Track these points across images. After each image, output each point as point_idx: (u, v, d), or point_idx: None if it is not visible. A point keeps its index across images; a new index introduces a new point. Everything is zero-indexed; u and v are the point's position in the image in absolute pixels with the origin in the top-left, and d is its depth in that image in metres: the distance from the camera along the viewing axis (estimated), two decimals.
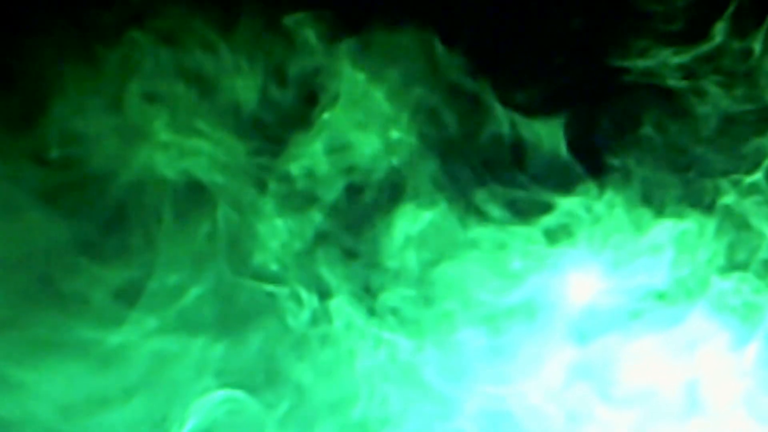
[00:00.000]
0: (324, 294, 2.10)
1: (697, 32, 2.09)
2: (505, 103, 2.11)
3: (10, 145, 2.10)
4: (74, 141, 2.11)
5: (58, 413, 2.03)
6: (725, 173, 2.06)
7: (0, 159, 2.09)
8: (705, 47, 2.07)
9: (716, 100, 2.07)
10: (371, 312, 2.09)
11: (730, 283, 2.01)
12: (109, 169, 2.11)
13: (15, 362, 2.03)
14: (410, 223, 2.11)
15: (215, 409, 2.06)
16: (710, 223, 2.03)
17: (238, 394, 2.06)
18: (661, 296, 2.01)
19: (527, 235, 2.07)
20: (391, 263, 2.10)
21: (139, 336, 2.07)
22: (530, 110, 2.11)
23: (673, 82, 2.09)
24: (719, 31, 2.07)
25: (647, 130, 2.09)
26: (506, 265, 2.07)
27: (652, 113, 2.10)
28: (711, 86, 2.08)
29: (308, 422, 2.07)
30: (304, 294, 2.10)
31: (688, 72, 2.08)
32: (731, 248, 2.02)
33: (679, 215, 2.04)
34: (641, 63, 2.09)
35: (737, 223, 2.03)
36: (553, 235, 2.07)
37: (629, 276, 2.03)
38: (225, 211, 2.11)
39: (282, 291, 2.10)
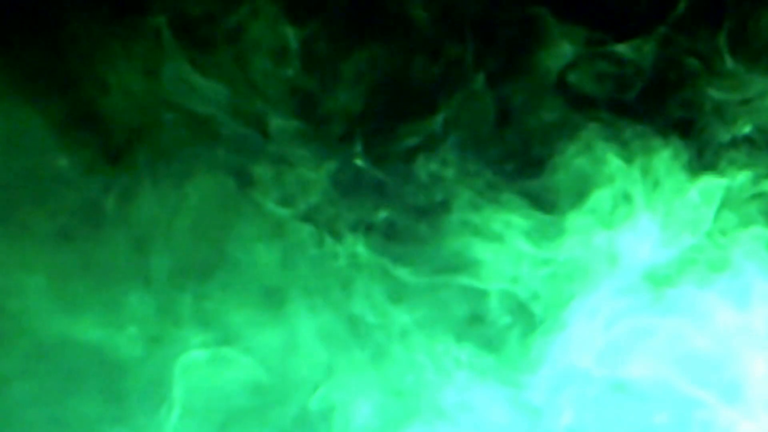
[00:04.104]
0: (344, 236, 1.95)
1: None
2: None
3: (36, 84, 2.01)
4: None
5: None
6: None
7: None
8: None
9: None
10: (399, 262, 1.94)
11: None
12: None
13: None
14: (448, 164, 1.96)
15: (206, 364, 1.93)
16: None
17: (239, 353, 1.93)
18: (710, 241, 1.94)
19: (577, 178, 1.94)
20: (425, 207, 1.95)
21: (141, 284, 1.95)
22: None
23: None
24: None
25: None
26: (558, 215, 1.93)
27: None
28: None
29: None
30: (326, 237, 1.95)
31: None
32: None
33: (729, 173, 1.95)
34: None
35: None
36: (605, 183, 1.94)
37: (682, 227, 1.93)
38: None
39: (303, 233, 1.95)
